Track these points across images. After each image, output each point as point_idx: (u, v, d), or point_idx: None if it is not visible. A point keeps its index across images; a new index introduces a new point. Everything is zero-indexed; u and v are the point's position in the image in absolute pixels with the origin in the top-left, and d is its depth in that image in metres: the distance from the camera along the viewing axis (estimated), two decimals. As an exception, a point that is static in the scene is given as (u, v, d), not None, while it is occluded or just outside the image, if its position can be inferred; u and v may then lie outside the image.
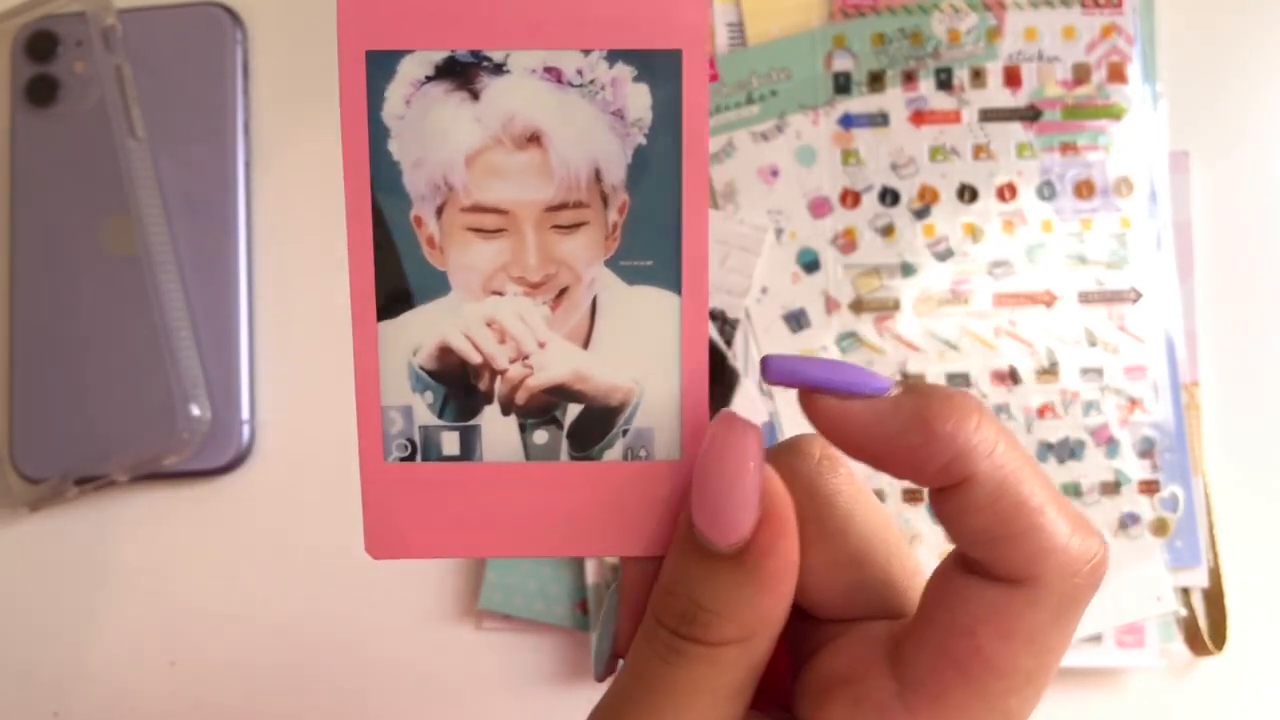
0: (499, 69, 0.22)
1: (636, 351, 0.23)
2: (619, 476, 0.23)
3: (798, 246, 0.52)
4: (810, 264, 0.52)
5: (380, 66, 0.22)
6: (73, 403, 0.52)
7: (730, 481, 0.21)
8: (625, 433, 0.23)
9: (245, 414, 0.53)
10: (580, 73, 0.22)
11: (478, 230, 0.23)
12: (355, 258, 0.23)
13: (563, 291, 0.23)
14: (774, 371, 0.22)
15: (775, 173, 0.52)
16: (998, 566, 0.21)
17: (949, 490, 0.21)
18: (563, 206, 0.23)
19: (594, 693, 0.26)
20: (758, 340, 0.51)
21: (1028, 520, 0.21)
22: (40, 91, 0.54)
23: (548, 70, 0.22)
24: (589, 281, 0.23)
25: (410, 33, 0.22)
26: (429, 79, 0.22)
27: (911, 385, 0.22)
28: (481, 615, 0.52)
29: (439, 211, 0.23)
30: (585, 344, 0.23)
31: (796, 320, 0.52)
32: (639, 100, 0.22)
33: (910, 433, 0.21)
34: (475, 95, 0.22)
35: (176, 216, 0.53)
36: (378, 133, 0.22)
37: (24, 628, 0.53)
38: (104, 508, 0.53)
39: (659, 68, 0.22)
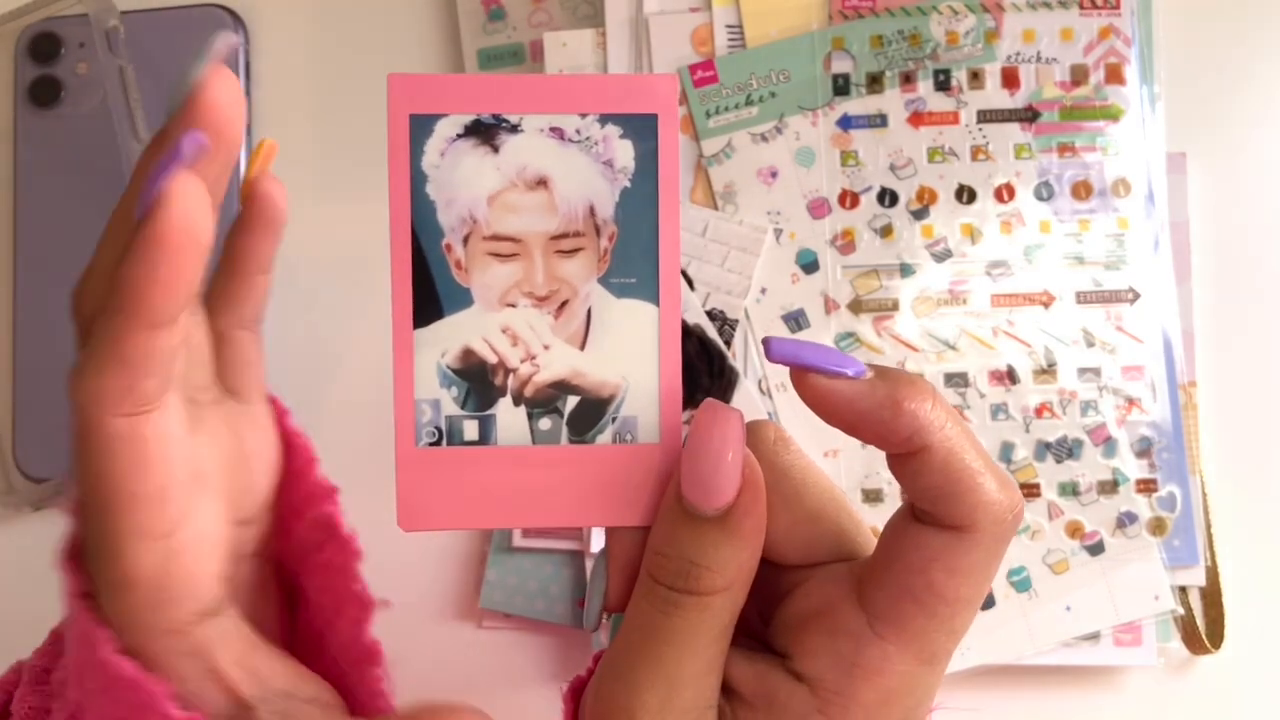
0: (515, 129, 0.28)
1: (623, 353, 0.28)
2: (609, 457, 0.28)
3: (797, 247, 0.52)
4: (809, 264, 0.52)
5: (421, 127, 0.28)
6: (75, 402, 0.52)
7: (718, 456, 0.26)
8: (614, 420, 0.28)
9: (247, 414, 0.53)
10: (579, 131, 0.28)
11: (496, 255, 0.28)
12: (397, 277, 0.27)
13: (564, 304, 0.28)
14: (775, 352, 0.26)
15: (774, 174, 0.52)
16: (944, 518, 0.26)
17: (907, 456, 0.26)
18: (564, 236, 0.28)
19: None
20: (757, 340, 0.52)
21: (969, 481, 0.26)
22: (43, 93, 0.54)
23: (553, 130, 0.28)
24: (585, 296, 0.28)
25: (445, 100, 0.27)
26: (459, 136, 0.28)
27: (882, 370, 0.27)
28: (482, 615, 0.52)
29: (465, 240, 0.28)
30: (582, 346, 0.28)
31: (796, 321, 0.52)
32: (625, 153, 0.28)
33: (882, 409, 0.26)
34: (496, 149, 0.28)
35: (179, 217, 0.53)
36: (418, 178, 0.28)
37: (27, 627, 0.53)
38: (106, 507, 0.53)
39: (640, 128, 0.28)
